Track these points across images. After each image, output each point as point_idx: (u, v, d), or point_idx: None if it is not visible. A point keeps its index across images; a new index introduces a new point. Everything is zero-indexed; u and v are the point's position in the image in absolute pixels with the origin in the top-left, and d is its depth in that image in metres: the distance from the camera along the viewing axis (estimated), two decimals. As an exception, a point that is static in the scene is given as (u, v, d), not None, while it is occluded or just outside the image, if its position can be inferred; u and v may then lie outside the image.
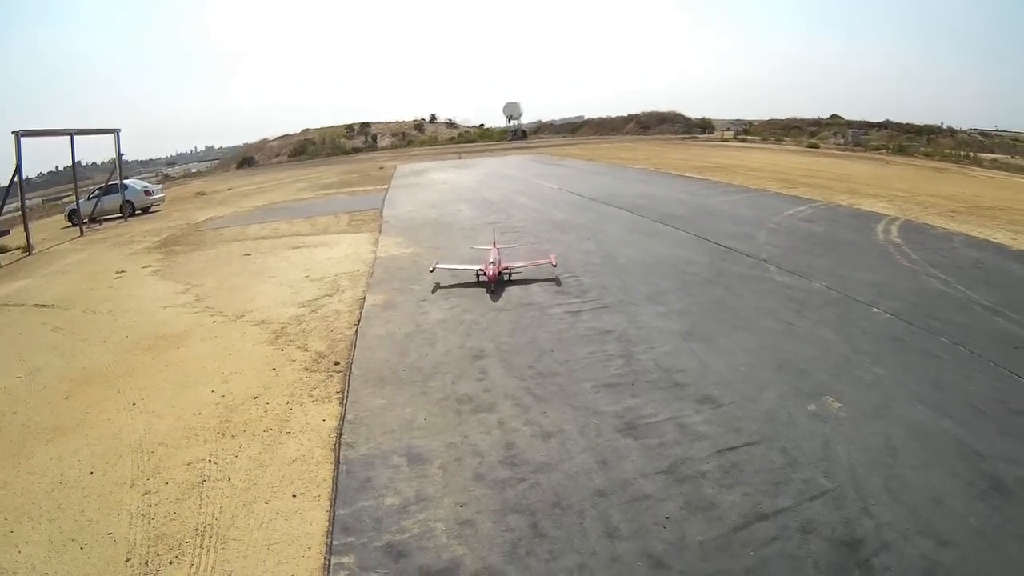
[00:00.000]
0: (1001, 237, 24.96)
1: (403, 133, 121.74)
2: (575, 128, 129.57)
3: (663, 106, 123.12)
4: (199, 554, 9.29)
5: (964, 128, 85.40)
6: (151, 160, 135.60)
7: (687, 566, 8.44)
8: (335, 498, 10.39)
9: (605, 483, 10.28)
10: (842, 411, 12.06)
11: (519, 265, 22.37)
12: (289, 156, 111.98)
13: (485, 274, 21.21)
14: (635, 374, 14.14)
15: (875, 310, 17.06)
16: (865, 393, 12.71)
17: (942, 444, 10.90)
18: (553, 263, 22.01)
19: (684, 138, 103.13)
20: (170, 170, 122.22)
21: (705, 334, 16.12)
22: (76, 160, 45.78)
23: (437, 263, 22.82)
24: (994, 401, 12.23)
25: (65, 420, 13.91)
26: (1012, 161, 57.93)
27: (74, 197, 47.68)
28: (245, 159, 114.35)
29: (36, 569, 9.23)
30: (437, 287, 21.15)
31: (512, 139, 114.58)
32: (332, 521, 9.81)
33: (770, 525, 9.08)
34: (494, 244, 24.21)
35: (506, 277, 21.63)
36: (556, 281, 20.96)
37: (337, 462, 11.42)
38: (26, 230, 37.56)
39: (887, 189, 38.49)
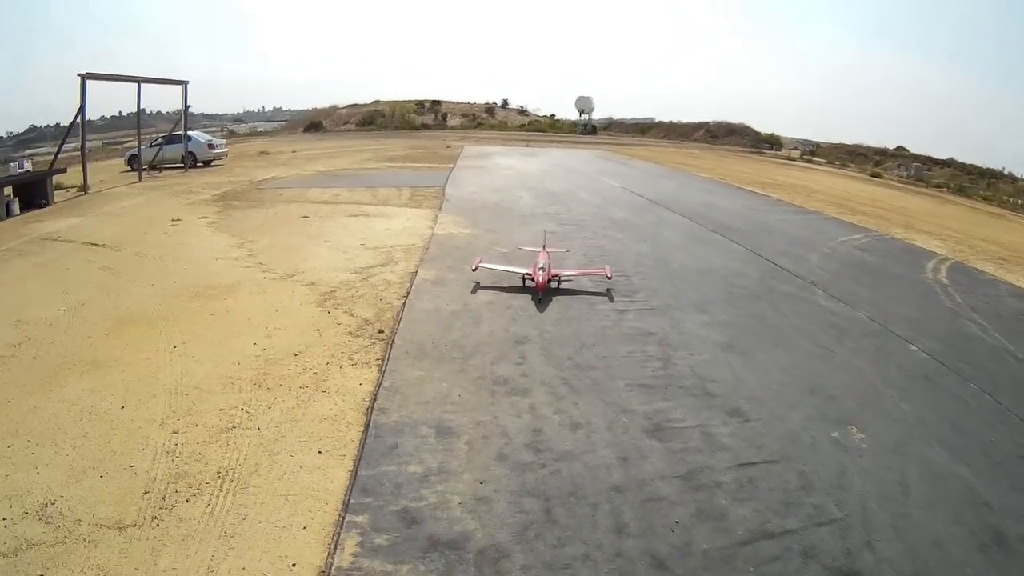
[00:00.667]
0: (1046, 292, 24.46)
1: (473, 115, 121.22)
2: (645, 129, 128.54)
3: (734, 117, 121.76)
4: (217, 496, 9.56)
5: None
6: (217, 115, 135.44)
7: (687, 572, 8.57)
8: (359, 459, 10.63)
9: (623, 479, 10.44)
10: (864, 442, 12.09)
11: (571, 273, 20.77)
12: (357, 125, 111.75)
13: (533, 279, 19.39)
14: (670, 378, 14.28)
15: (912, 347, 16.98)
16: (889, 427, 12.72)
17: (954, 489, 10.92)
18: (608, 275, 20.29)
19: (751, 152, 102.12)
20: (236, 127, 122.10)
21: (744, 348, 16.22)
22: (141, 108, 45.99)
23: (480, 261, 20.78)
24: (1012, 455, 12.19)
25: (103, 355, 14.28)
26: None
27: (136, 143, 47.97)
28: (313, 123, 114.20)
29: (51, 491, 9.55)
30: (477, 287, 19.70)
31: (581, 133, 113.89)
32: (353, 481, 10.04)
33: (775, 544, 9.18)
34: (544, 247, 21.89)
35: (555, 284, 19.80)
36: (608, 295, 19.56)
37: (367, 425, 11.67)
38: (84, 170, 37.84)
39: (942, 228, 38.06)
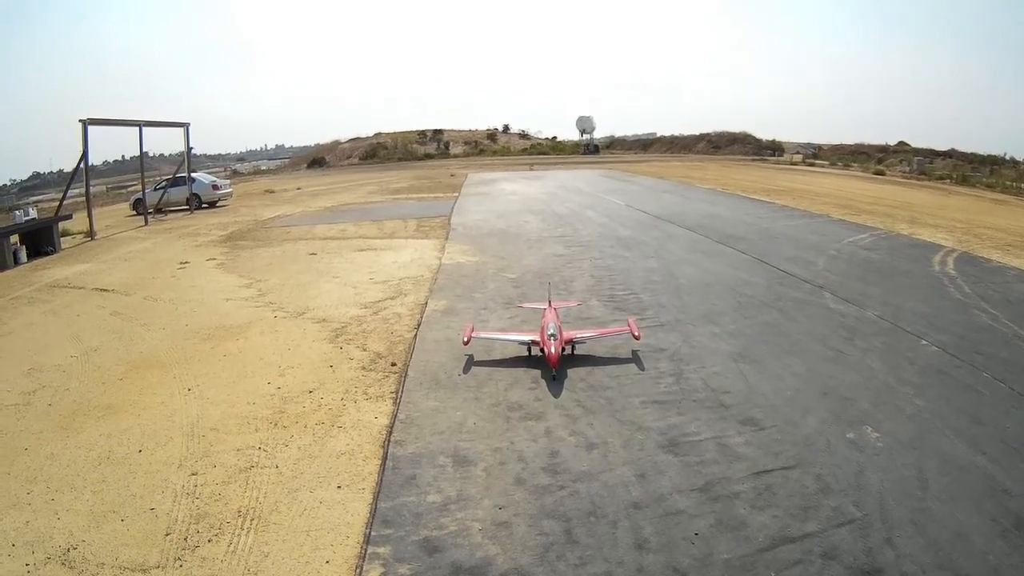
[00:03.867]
0: (1054, 273, 24.49)
1: (475, 142, 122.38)
2: (647, 145, 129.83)
3: (735, 126, 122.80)
4: (239, 534, 9.63)
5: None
6: (220, 155, 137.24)
7: (709, 583, 8.59)
8: (379, 492, 10.69)
9: (641, 496, 10.49)
10: (879, 441, 12.12)
11: (587, 335, 17.09)
12: (360, 159, 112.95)
13: (543, 349, 15.71)
14: (683, 392, 14.34)
15: (923, 342, 17.07)
16: (904, 424, 12.76)
17: (972, 479, 10.94)
18: (635, 333, 16.46)
19: (754, 159, 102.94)
20: (239, 166, 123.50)
21: (756, 356, 16.30)
22: (143, 151, 46.44)
23: (473, 331, 16.89)
24: (1029, 440, 12.23)
25: (118, 400, 14.42)
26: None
27: (140, 187, 48.33)
28: (316, 159, 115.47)
29: (73, 536, 9.63)
30: (470, 364, 16.23)
31: (584, 153, 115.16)
32: (373, 513, 10.10)
33: (795, 548, 9.22)
34: (549, 304, 18.36)
35: (568, 351, 16.23)
36: (636, 362, 16.17)
37: (384, 458, 11.73)
38: (89, 216, 38.39)
39: (947, 220, 38.42)
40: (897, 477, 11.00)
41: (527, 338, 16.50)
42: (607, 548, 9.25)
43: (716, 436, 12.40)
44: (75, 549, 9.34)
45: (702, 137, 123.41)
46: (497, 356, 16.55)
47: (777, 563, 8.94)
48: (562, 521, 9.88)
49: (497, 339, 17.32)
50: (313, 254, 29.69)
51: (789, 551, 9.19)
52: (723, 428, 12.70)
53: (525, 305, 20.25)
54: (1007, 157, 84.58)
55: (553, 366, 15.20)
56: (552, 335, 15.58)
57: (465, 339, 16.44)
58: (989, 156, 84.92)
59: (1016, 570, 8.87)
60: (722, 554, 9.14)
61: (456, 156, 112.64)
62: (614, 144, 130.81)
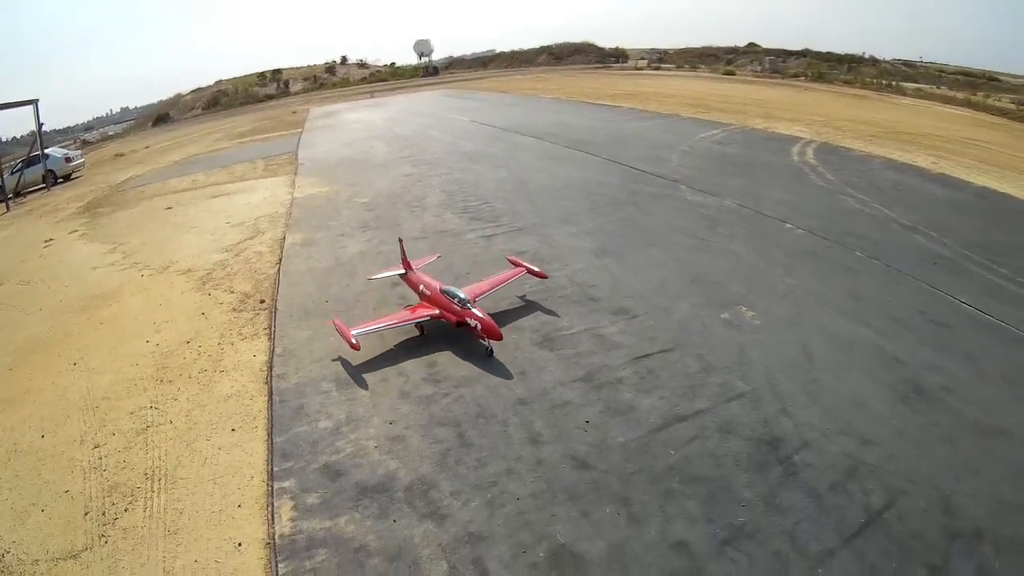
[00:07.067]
0: (922, 161, 25.48)
1: (315, 77, 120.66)
2: (486, 62, 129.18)
3: (576, 37, 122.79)
4: (151, 497, 9.73)
5: (887, 58, 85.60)
6: (68, 128, 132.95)
7: (610, 466, 9.03)
8: (271, 428, 10.86)
9: (525, 393, 10.93)
10: (756, 319, 12.72)
11: (488, 289, 14.29)
12: (203, 109, 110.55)
13: (463, 323, 12.77)
14: (549, 290, 14.78)
15: (788, 226, 17.69)
16: (779, 303, 13.37)
17: (861, 351, 11.58)
18: (537, 270, 14.86)
19: (597, 68, 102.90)
20: (88, 135, 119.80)
21: (617, 251, 16.80)
22: (-2, 138, 45.09)
23: (351, 328, 13.02)
24: (914, 312, 12.93)
25: (12, 390, 14.15)
26: (937, 91, 58.04)
27: (-4, 174, 46.83)
28: (160, 116, 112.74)
29: (2, 540, 9.57)
30: (352, 372, 12.77)
31: (424, 76, 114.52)
32: (271, 449, 10.28)
33: (689, 426, 9.70)
34: (409, 267, 15.64)
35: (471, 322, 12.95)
36: (553, 312, 14.04)
37: (270, 393, 11.90)
38: (-53, 214, 37.13)
39: (804, 114, 39.11)
40: (781, 353, 11.64)
41: (419, 319, 13.63)
42: (502, 446, 9.65)
43: (589, 328, 12.91)
44: (8, 553, 9.35)
45: (543, 50, 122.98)
46: (382, 349, 13.59)
47: (673, 441, 9.43)
48: (453, 427, 10.25)
49: (384, 328, 13.53)
50: (169, 208, 29.26)
51: (683, 429, 9.69)
52: (596, 320, 13.21)
53: (377, 276, 16.42)
54: (866, 56, 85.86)
55: (495, 336, 12.25)
56: (464, 301, 13.04)
57: (354, 341, 12.56)
58: (847, 55, 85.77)
59: (924, 432, 9.52)
60: (616, 438, 9.59)
61: (297, 93, 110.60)
62: (453, 64, 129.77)
